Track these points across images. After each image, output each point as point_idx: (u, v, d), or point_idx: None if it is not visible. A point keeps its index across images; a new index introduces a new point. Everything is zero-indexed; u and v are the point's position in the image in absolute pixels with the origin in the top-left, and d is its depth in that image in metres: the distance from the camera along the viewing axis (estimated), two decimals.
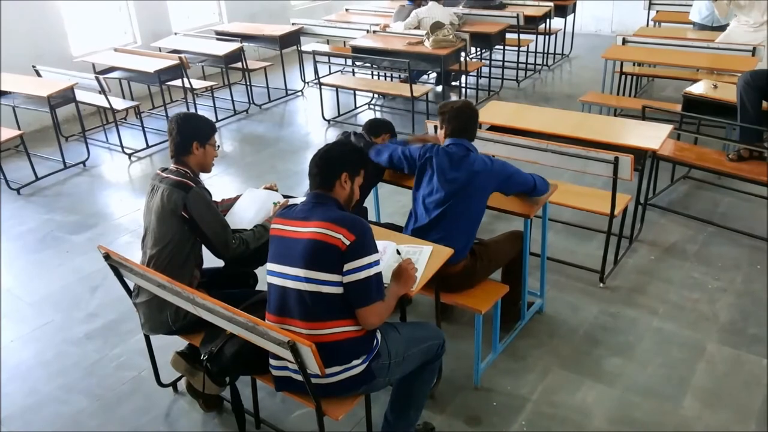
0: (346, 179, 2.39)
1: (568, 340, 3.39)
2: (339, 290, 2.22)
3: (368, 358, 2.31)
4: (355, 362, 2.28)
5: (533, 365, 3.22)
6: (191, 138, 2.78)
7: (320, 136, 6.60)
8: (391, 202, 4.33)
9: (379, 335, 2.38)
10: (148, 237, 2.78)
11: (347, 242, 2.18)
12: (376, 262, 2.26)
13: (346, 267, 2.19)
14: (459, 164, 2.97)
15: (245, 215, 3.03)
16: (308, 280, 2.22)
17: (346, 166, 2.41)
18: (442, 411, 2.95)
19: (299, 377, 2.22)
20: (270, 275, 2.36)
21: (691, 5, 6.91)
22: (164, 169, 2.80)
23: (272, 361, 2.38)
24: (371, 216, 3.98)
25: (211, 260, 2.95)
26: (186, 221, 2.67)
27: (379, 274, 2.27)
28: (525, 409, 2.96)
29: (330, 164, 2.38)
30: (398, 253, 2.64)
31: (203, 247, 2.82)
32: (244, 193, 3.20)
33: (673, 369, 3.15)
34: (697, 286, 3.78)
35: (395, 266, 2.50)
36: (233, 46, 7.00)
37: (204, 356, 2.50)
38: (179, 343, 2.90)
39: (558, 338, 3.40)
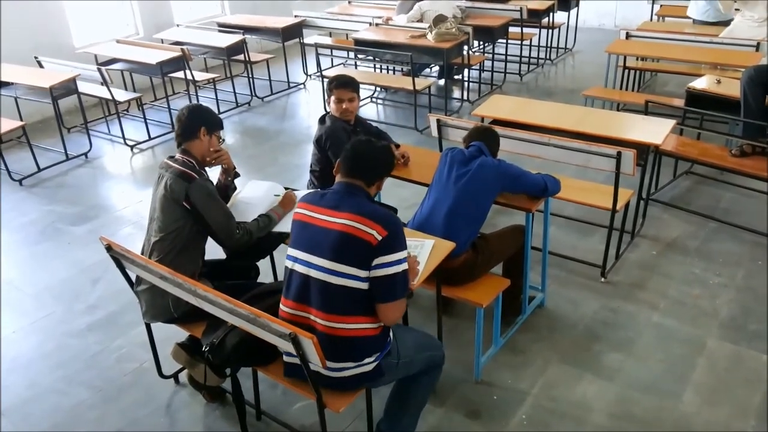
0: (382, 181, 2.44)
1: (569, 335, 3.39)
2: (363, 285, 2.20)
3: (380, 356, 2.31)
4: (367, 360, 2.28)
5: (534, 359, 3.22)
6: (200, 122, 2.80)
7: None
8: (392, 195, 4.32)
9: (391, 334, 2.38)
10: (152, 225, 2.79)
11: (379, 237, 2.15)
12: (405, 259, 2.24)
13: (376, 261, 2.17)
14: (470, 161, 3.03)
15: (248, 206, 3.04)
16: (333, 273, 2.20)
17: (387, 168, 2.44)
18: (442, 404, 2.96)
19: (309, 365, 2.20)
20: (293, 261, 2.32)
21: None
22: (171, 158, 2.81)
23: (282, 348, 2.37)
24: None
25: (212, 252, 2.95)
26: (189, 211, 2.68)
27: (406, 272, 2.25)
28: (525, 403, 2.96)
29: (377, 163, 2.38)
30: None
31: (206, 238, 2.83)
32: (247, 185, 3.21)
33: (673, 364, 3.15)
34: (698, 282, 3.77)
35: None
36: (235, 38, 6.98)
37: (206, 347, 2.50)
38: (180, 334, 2.90)
39: (559, 333, 3.41)
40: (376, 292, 2.22)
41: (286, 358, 2.39)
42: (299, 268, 2.30)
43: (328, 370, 2.21)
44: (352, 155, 2.35)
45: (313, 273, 2.25)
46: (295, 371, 2.37)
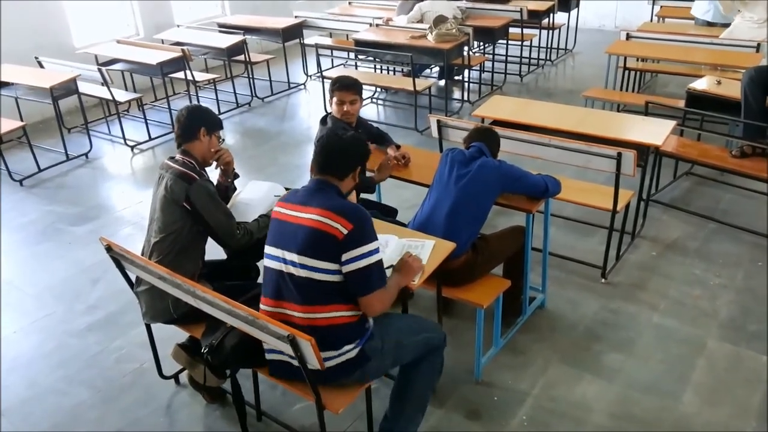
0: (358, 172, 2.43)
1: (569, 336, 3.39)
2: (334, 278, 2.22)
3: (361, 342, 2.32)
4: (347, 347, 2.28)
5: (534, 360, 3.22)
6: (199, 123, 2.81)
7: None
8: (393, 195, 4.33)
9: (371, 319, 2.39)
10: (152, 225, 2.80)
11: (345, 231, 2.18)
12: (376, 250, 2.25)
13: (345, 256, 2.19)
14: (470, 162, 3.03)
15: (248, 207, 3.04)
16: (305, 267, 2.22)
17: (359, 159, 2.43)
18: (442, 405, 2.96)
19: (294, 362, 2.20)
20: (268, 259, 2.36)
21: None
22: (171, 158, 2.81)
23: (266, 345, 2.37)
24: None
25: (212, 253, 2.95)
26: (189, 212, 2.68)
27: (379, 262, 2.27)
28: (525, 403, 2.96)
29: (346, 157, 2.39)
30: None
31: (206, 239, 2.83)
32: (247, 185, 3.21)
33: (673, 365, 3.16)
34: (698, 283, 3.77)
35: (397, 261, 2.50)
36: (236, 38, 6.99)
37: (205, 349, 2.50)
38: (180, 335, 2.90)
39: (559, 333, 3.41)
40: (353, 287, 2.24)
41: (269, 356, 2.39)
42: (274, 265, 2.33)
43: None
44: (320, 152, 2.39)
45: (286, 268, 2.27)
46: (281, 369, 2.37)
